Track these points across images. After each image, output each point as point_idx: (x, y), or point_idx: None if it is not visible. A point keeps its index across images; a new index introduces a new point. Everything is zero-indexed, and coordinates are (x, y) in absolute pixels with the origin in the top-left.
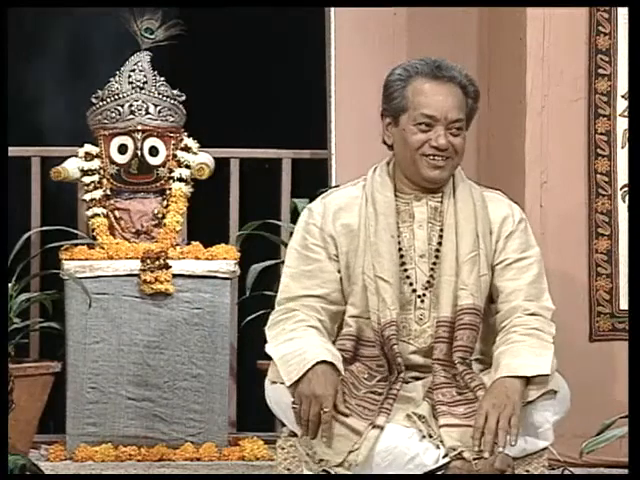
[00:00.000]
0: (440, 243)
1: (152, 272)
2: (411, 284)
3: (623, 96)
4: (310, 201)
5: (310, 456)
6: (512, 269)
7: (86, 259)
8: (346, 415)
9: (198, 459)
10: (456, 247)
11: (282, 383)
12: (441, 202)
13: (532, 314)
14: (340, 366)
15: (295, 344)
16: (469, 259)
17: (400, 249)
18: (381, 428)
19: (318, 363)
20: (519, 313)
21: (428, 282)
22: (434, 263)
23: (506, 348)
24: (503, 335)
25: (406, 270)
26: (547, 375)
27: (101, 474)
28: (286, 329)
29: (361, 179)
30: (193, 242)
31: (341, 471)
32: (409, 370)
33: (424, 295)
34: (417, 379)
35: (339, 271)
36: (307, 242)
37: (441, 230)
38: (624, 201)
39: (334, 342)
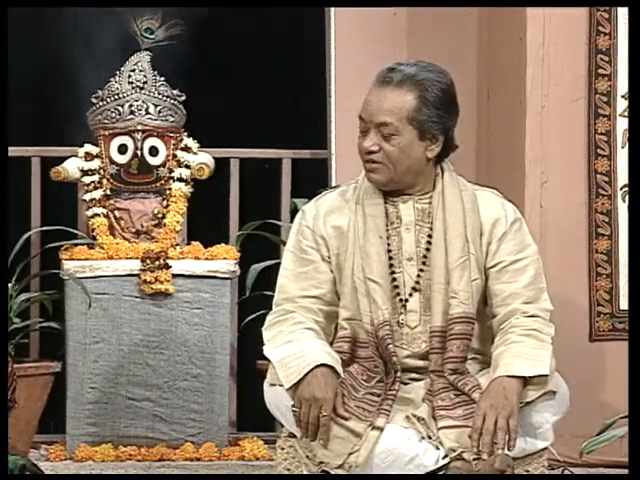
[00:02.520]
0: (428, 249)
1: (152, 272)
2: (396, 287)
3: (623, 96)
4: (310, 201)
5: (310, 458)
6: (508, 272)
7: (86, 259)
8: (345, 418)
9: (198, 459)
10: (445, 253)
11: (281, 385)
12: (429, 203)
13: (531, 316)
14: (339, 369)
15: (294, 347)
16: (459, 265)
17: (389, 251)
18: (380, 429)
19: (317, 366)
20: (517, 315)
21: (414, 288)
22: (421, 270)
23: (505, 349)
24: (501, 336)
25: (393, 273)
26: (546, 375)
27: (101, 474)
28: (284, 331)
29: (353, 181)
30: (193, 242)
31: (341, 473)
32: (407, 372)
33: (406, 301)
34: (415, 380)
35: (332, 271)
36: (301, 244)
37: (429, 236)
38: (624, 201)
39: (331, 344)
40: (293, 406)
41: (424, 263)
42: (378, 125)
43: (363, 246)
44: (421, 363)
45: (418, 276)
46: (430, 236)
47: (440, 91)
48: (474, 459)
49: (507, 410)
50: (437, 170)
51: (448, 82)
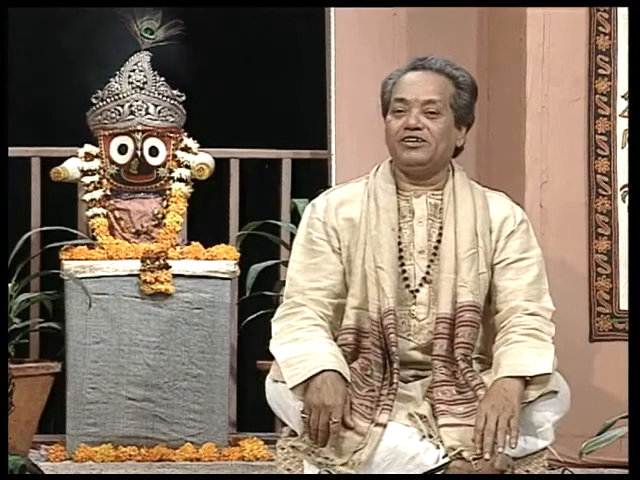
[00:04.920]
0: (439, 240)
1: (152, 272)
2: (406, 279)
3: (623, 96)
4: (310, 201)
5: (312, 454)
6: (512, 269)
7: (86, 259)
8: (352, 428)
9: (198, 459)
10: (455, 244)
11: (284, 382)
12: (441, 199)
13: (531, 314)
14: (346, 372)
15: (300, 347)
16: (468, 256)
17: (400, 243)
18: (383, 426)
19: (324, 371)
20: (519, 313)
21: (424, 278)
22: (432, 260)
23: (506, 349)
24: (502, 335)
25: (403, 265)
26: (549, 374)
27: (101, 474)
28: (292, 326)
29: (364, 177)
30: (193, 242)
31: (345, 470)
32: (409, 368)
33: (417, 291)
34: (417, 378)
35: (342, 263)
36: (311, 236)
37: (440, 227)
38: (624, 201)
39: (337, 337)
40: (302, 412)
41: (435, 255)
42: (424, 104)
43: (375, 237)
44: (422, 357)
45: (428, 267)
46: (441, 229)
47: (471, 81)
48: (474, 459)
49: (508, 411)
50: (448, 167)
51: (473, 77)
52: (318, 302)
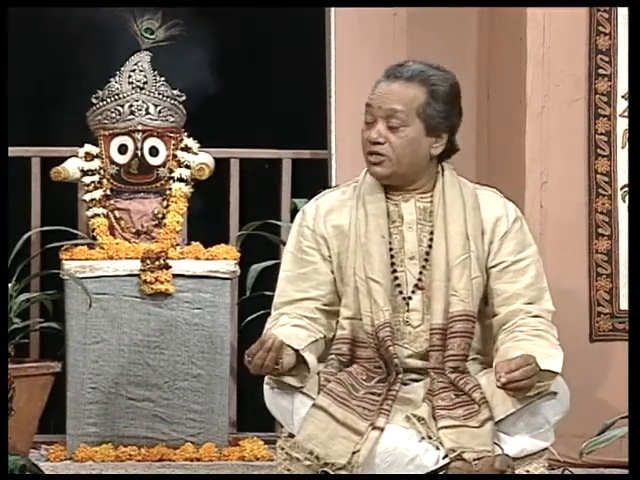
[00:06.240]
0: (430, 245)
1: (152, 272)
2: (398, 285)
3: (623, 96)
4: (310, 201)
5: (310, 460)
6: (509, 272)
7: (86, 259)
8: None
9: (198, 459)
10: (446, 250)
11: (278, 388)
12: (431, 202)
13: (535, 316)
14: (297, 345)
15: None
16: (459, 262)
17: (391, 249)
18: (381, 429)
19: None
20: (521, 315)
21: (416, 285)
22: (424, 266)
23: (513, 344)
24: (507, 335)
25: (395, 271)
26: (555, 374)
27: (101, 474)
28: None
29: (353, 181)
30: (193, 242)
31: (343, 473)
32: (407, 373)
33: (410, 298)
34: (416, 381)
35: (332, 272)
36: (301, 245)
37: (431, 232)
38: (624, 201)
39: (331, 345)
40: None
41: (426, 261)
42: (387, 114)
43: (365, 245)
44: (421, 364)
45: (420, 273)
46: (432, 234)
47: (449, 87)
48: (474, 459)
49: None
50: (437, 169)
51: (455, 80)
52: (305, 308)
